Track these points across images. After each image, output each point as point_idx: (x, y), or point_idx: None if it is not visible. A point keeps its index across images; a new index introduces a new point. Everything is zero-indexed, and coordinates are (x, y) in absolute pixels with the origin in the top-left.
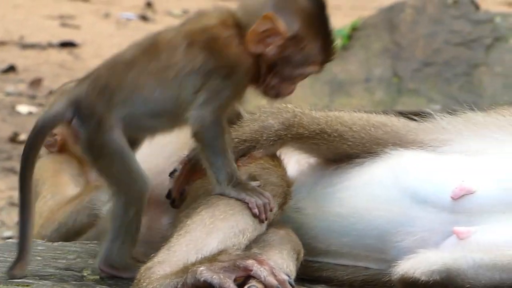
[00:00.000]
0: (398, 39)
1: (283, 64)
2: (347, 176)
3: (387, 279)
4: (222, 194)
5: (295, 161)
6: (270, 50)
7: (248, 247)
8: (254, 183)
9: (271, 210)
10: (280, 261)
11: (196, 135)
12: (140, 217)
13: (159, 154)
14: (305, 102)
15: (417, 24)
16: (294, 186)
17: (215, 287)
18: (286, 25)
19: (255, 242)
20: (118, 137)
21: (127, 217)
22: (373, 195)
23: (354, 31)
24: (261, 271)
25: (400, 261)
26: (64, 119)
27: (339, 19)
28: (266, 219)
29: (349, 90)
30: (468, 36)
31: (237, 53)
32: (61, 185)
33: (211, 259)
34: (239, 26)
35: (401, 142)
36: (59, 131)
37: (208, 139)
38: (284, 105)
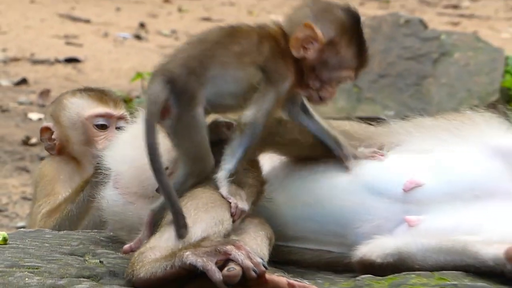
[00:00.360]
0: None
1: (321, 68)
2: (314, 171)
3: (347, 261)
4: (216, 184)
5: (268, 157)
6: (310, 54)
7: (227, 234)
8: (241, 192)
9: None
10: (255, 246)
11: (240, 125)
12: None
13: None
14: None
15: (373, 41)
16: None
17: (199, 269)
18: (323, 33)
19: (233, 230)
20: (201, 113)
21: (185, 185)
22: (336, 187)
23: None
24: (239, 255)
25: (359, 246)
26: (164, 98)
27: None
28: (238, 219)
29: None
30: (417, 51)
31: (287, 62)
32: (55, 194)
33: (195, 245)
34: (286, 36)
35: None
36: (57, 136)
37: (247, 134)
38: None
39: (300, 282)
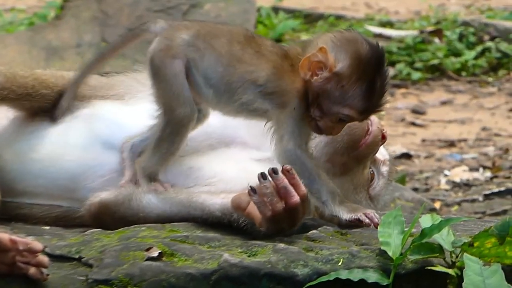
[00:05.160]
0: (105, 8)
1: (323, 97)
2: (44, 126)
3: (77, 216)
4: None
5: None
6: (316, 80)
7: None
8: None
9: None
10: None
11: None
12: (174, 141)
13: None
14: (24, 66)
15: None
16: None
17: None
18: (335, 61)
19: None
20: (178, 66)
21: (162, 135)
22: (66, 142)
23: (66, 2)
24: None
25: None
26: (147, 32)
27: None
28: None
29: (62, 54)
30: (167, 3)
31: (295, 81)
32: None
33: None
34: (299, 58)
35: (98, 96)
36: None
37: (298, 163)
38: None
39: (23, 238)
